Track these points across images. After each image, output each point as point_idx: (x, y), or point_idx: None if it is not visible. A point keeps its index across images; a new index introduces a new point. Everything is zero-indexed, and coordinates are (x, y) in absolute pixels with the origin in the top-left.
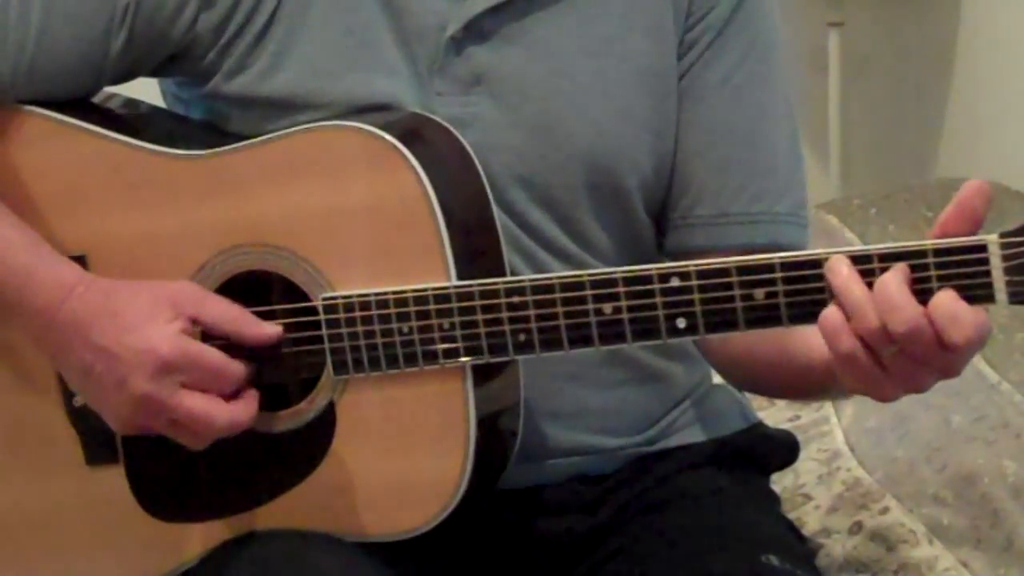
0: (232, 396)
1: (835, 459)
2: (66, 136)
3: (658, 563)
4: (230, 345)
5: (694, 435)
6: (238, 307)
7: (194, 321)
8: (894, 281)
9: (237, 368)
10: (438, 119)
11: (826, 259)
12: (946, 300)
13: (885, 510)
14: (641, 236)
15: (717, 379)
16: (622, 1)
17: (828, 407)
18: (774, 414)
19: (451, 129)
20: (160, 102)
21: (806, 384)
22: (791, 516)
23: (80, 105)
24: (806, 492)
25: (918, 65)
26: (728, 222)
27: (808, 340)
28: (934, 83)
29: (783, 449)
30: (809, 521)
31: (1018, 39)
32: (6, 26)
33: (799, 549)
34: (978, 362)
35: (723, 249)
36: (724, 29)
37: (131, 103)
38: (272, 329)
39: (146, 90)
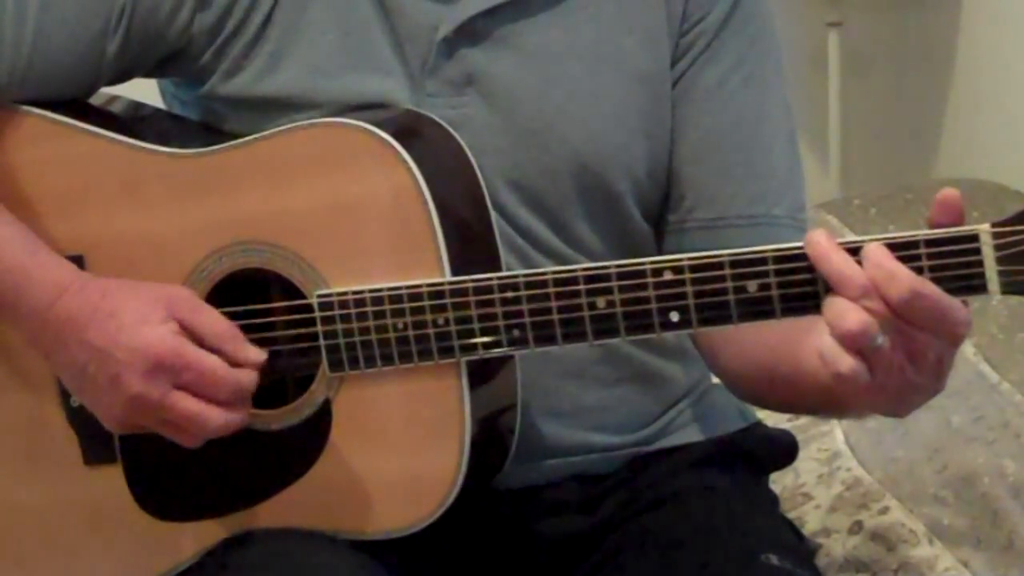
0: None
1: (835, 459)
2: (63, 136)
3: (657, 563)
4: None
5: (693, 434)
6: (230, 324)
7: (184, 326)
8: (880, 250)
9: (237, 376)
10: (433, 116)
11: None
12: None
13: (885, 510)
14: (635, 239)
15: (716, 379)
16: (615, 6)
17: None
18: (774, 414)
19: (446, 126)
20: (159, 101)
21: (816, 399)
22: (791, 516)
23: (77, 105)
24: (806, 492)
25: (918, 65)
26: (725, 225)
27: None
28: (934, 83)
29: (782, 449)
30: (809, 521)
31: (1018, 39)
32: (2, 27)
33: (799, 548)
34: (978, 362)
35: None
36: (719, 33)
37: (128, 103)
38: (256, 355)
39: (146, 90)
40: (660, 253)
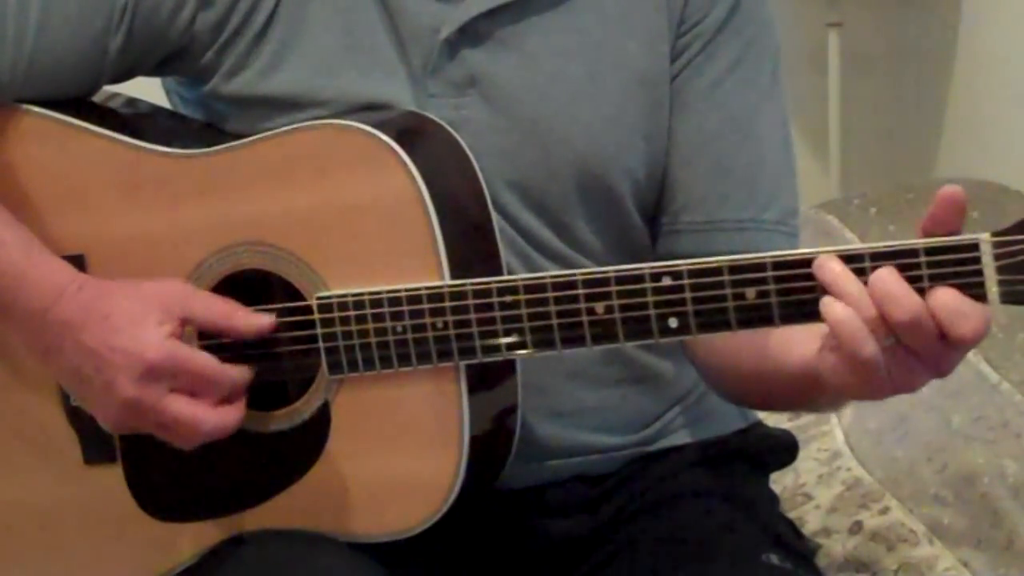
0: (222, 399)
1: (835, 459)
2: (64, 136)
3: (658, 563)
4: (224, 345)
5: (693, 434)
6: (228, 301)
7: (185, 321)
8: (889, 274)
9: (228, 373)
10: (434, 117)
11: (817, 259)
12: (950, 296)
13: (885, 510)
14: (635, 239)
15: None
16: (617, 7)
17: None
18: (774, 414)
19: (447, 128)
20: (163, 100)
21: (790, 392)
22: (791, 516)
23: (79, 104)
24: (806, 492)
25: (918, 65)
26: (714, 228)
27: (786, 345)
28: (934, 83)
29: (782, 448)
30: (809, 521)
31: (1018, 39)
32: (4, 24)
33: (799, 548)
34: (978, 362)
35: (710, 255)
36: (716, 36)
37: (130, 102)
38: (264, 319)
39: (149, 89)
40: (655, 255)
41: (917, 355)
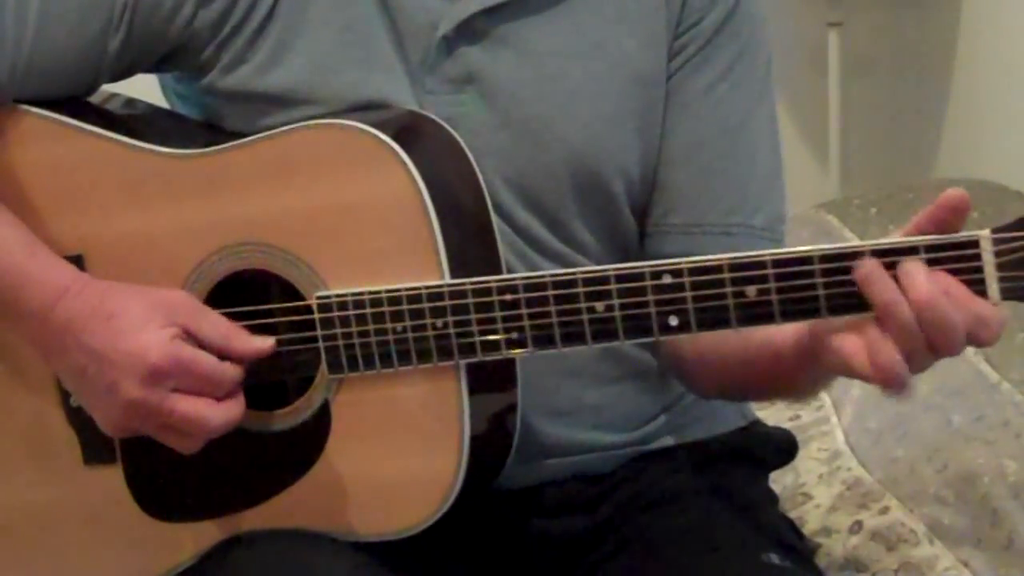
0: (222, 396)
1: (835, 458)
2: (63, 136)
3: (657, 562)
4: None
5: (692, 433)
6: (230, 322)
7: (186, 332)
8: (941, 296)
9: (230, 372)
10: (434, 117)
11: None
12: (983, 306)
13: (885, 510)
14: (629, 238)
15: None
16: (615, 6)
17: (828, 407)
18: (775, 413)
19: (446, 127)
20: (160, 97)
21: (776, 371)
22: (791, 515)
23: (78, 105)
24: (806, 491)
25: (918, 65)
26: (702, 232)
27: (768, 329)
28: (934, 83)
29: (781, 447)
30: (809, 520)
31: (1018, 39)
32: (3, 24)
33: (799, 547)
34: (978, 362)
35: None
36: (713, 39)
37: (129, 102)
38: (263, 343)
39: (147, 88)
40: (643, 255)
41: (936, 351)
